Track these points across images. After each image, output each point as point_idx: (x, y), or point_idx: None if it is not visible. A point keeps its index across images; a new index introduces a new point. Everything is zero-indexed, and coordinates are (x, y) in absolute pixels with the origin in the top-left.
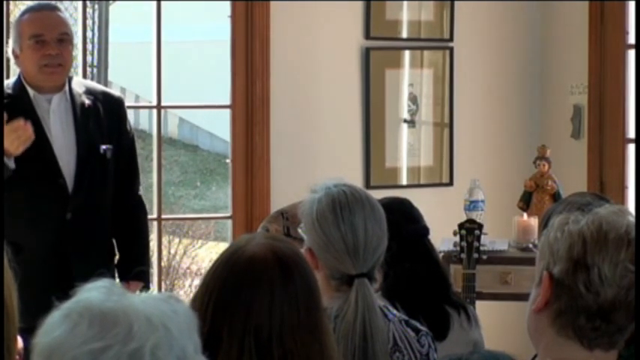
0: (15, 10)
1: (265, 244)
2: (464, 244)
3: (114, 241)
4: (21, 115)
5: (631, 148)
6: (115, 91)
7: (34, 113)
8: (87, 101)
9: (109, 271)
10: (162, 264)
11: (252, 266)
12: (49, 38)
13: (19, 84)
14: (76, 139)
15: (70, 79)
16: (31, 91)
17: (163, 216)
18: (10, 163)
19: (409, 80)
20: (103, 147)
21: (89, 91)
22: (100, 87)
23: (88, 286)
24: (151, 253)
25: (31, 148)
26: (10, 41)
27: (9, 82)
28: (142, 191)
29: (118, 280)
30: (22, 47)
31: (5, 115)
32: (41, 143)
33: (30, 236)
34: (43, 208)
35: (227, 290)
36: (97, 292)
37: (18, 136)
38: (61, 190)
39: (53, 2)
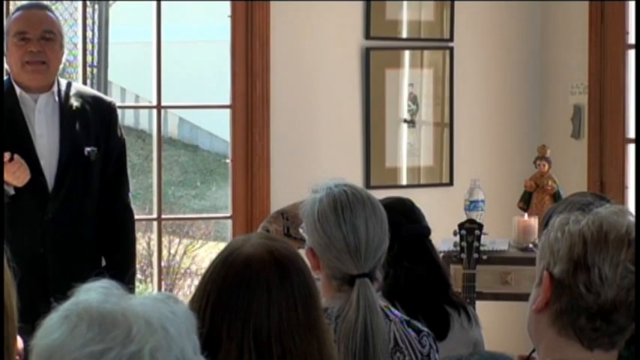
0: None
1: (261, 244)
2: (464, 244)
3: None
4: (7, 112)
5: (631, 148)
6: (107, 97)
7: (20, 111)
8: (75, 103)
9: (88, 275)
10: (162, 264)
11: (249, 267)
12: (32, 36)
13: (9, 82)
14: (60, 139)
15: (59, 82)
16: (18, 90)
17: (163, 216)
18: (10, 190)
19: (409, 80)
20: (88, 149)
21: (79, 94)
22: (92, 91)
23: (86, 286)
24: (151, 252)
25: (13, 147)
26: None
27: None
28: (131, 197)
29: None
30: (8, 45)
31: None
32: (24, 142)
33: (8, 234)
34: (23, 207)
35: (225, 292)
36: (95, 293)
37: (16, 177)
38: (42, 190)
39: (45, 2)
